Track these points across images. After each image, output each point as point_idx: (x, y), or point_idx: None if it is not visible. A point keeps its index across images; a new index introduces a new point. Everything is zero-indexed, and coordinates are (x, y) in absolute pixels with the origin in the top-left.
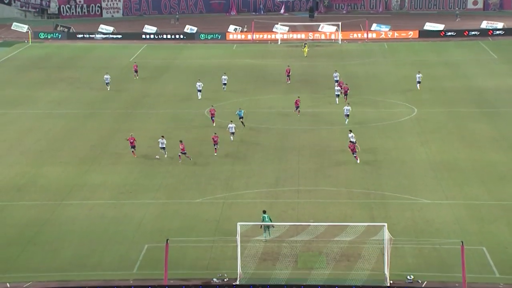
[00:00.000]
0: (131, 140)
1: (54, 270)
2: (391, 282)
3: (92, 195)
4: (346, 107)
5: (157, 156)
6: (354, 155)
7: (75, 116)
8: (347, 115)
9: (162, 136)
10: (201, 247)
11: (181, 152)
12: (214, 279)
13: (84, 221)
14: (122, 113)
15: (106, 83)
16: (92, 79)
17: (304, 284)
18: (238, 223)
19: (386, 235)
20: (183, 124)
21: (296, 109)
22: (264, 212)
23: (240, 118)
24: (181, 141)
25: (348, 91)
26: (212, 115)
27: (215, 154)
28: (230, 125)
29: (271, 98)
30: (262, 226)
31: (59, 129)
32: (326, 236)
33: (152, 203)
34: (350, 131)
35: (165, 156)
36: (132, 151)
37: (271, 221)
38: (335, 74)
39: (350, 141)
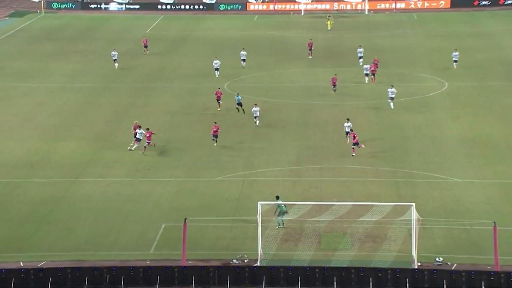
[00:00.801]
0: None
1: (68, 249)
2: (419, 264)
3: (108, 172)
4: (390, 89)
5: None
6: (353, 146)
7: (89, 90)
8: (392, 98)
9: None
10: (221, 226)
11: (213, 135)
12: (234, 260)
13: (100, 199)
14: (138, 88)
15: (114, 60)
16: (107, 52)
17: (328, 266)
18: (259, 202)
19: (414, 215)
20: (200, 99)
21: (333, 87)
22: (278, 197)
23: (237, 104)
24: (215, 123)
25: (377, 69)
26: (218, 98)
27: (215, 145)
28: (254, 109)
29: (293, 72)
30: (276, 212)
31: (73, 103)
32: (351, 216)
33: (170, 181)
34: (348, 120)
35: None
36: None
37: (286, 209)
38: (359, 50)
39: (346, 132)
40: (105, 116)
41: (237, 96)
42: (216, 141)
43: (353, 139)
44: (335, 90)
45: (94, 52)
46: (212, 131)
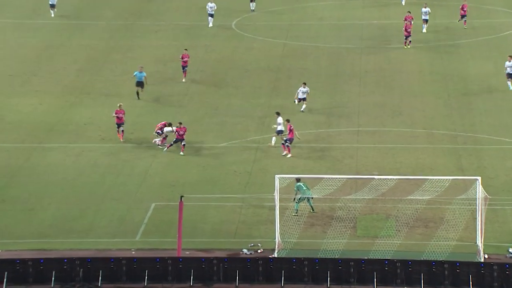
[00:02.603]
0: (119, 116)
1: (29, 235)
2: (486, 256)
3: (80, 136)
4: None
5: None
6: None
7: (55, 29)
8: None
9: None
10: (227, 207)
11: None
12: (244, 250)
13: (70, 170)
14: (119, 26)
15: (51, 5)
16: None
17: (366, 258)
18: (277, 176)
19: (480, 192)
20: (200, 40)
21: (462, 18)
22: (298, 180)
23: (138, 85)
24: (180, 124)
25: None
26: (184, 64)
27: (182, 153)
28: (302, 89)
29: (322, 6)
30: (296, 198)
31: (34, 45)
32: (396, 193)
33: (161, 148)
34: (304, 84)
35: None
36: (119, 131)
37: (309, 192)
38: (424, 10)
39: (297, 99)
40: (76, 64)
41: (140, 73)
42: (183, 146)
43: (288, 133)
44: (465, 21)
45: None
46: (177, 135)
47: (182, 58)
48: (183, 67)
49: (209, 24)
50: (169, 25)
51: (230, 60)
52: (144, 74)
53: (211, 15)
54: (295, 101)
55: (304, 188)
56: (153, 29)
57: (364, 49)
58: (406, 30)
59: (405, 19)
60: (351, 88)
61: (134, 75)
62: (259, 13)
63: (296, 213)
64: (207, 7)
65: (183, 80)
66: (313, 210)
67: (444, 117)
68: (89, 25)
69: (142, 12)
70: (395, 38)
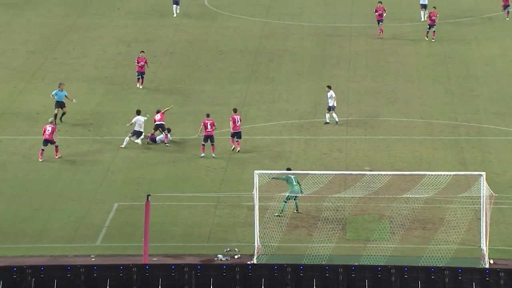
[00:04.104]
0: (141, 64)
1: None
2: (491, 261)
3: (33, 127)
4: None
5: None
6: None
7: (2, 4)
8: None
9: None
10: (200, 207)
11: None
12: (220, 256)
13: (20, 166)
14: (76, 2)
15: None
16: None
17: (356, 264)
18: (256, 171)
19: (484, 189)
20: (168, 19)
21: (505, 9)
22: (289, 169)
23: (57, 106)
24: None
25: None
26: (141, 69)
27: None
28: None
29: None
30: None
31: None
32: (390, 191)
33: (124, 140)
34: (329, 87)
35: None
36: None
37: (298, 188)
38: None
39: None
40: (27, 45)
41: (61, 91)
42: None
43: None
44: (508, 12)
45: None
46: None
47: (138, 62)
48: (140, 73)
49: (173, 13)
50: (132, 1)
51: (203, 41)
52: (65, 93)
53: (176, 2)
54: (326, 120)
55: (295, 183)
56: (115, 5)
57: (354, 29)
58: (430, 17)
59: (430, 15)
60: (339, 72)
61: (54, 95)
62: None
63: (280, 213)
64: None
65: (139, 87)
66: (297, 210)
67: (444, 104)
68: (41, 0)
69: None
70: (389, 16)
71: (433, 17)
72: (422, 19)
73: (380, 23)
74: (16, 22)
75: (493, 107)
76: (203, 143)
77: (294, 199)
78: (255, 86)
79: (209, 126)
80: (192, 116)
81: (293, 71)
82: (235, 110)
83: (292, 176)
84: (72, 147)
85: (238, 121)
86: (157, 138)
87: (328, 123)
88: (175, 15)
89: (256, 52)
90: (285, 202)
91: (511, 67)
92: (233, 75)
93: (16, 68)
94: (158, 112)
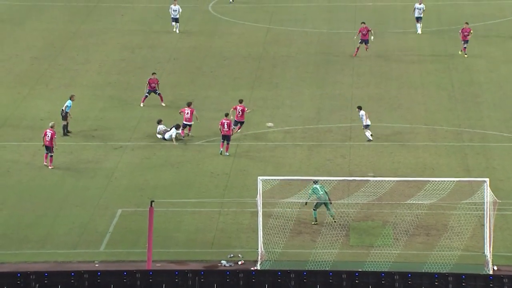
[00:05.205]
0: (152, 85)
1: None
2: (495, 268)
3: (36, 133)
4: (417, 5)
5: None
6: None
7: (6, 10)
8: (418, 19)
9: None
10: (204, 213)
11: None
12: (223, 262)
13: (24, 172)
14: (80, 8)
15: None
16: None
17: (360, 270)
18: (259, 177)
19: (488, 196)
20: (172, 25)
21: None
22: (315, 182)
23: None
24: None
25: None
26: (153, 89)
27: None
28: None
29: None
30: (312, 201)
31: None
32: (394, 197)
33: (128, 146)
34: (359, 108)
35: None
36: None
37: (327, 196)
38: (418, 6)
39: (365, 126)
40: (31, 51)
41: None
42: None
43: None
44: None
45: None
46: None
47: (150, 83)
48: (151, 92)
49: (174, 29)
50: (136, 7)
51: (207, 47)
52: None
53: (175, 20)
54: (368, 138)
55: (321, 192)
56: (118, 12)
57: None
58: (463, 33)
59: (462, 31)
60: (343, 78)
61: (68, 106)
62: None
63: (316, 222)
64: (170, 10)
65: (141, 105)
66: (333, 218)
67: (447, 111)
68: (45, 6)
69: None
70: (392, 22)
71: (466, 33)
72: (418, 32)
73: (365, 43)
74: (20, 28)
75: (497, 113)
76: (222, 140)
77: (328, 210)
78: (258, 92)
79: (226, 126)
80: (195, 121)
81: (296, 77)
82: (240, 101)
83: (318, 186)
84: (75, 153)
85: (239, 112)
86: (166, 135)
87: (370, 140)
88: (177, 31)
89: (260, 58)
90: (315, 210)
91: None
92: (237, 81)
93: (20, 74)
94: (189, 105)
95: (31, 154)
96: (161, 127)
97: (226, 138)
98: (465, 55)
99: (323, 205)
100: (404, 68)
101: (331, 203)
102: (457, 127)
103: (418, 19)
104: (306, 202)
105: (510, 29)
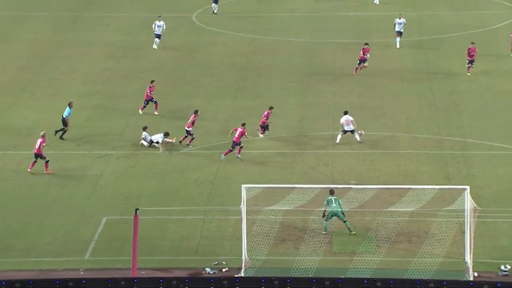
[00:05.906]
0: (148, 93)
1: None
2: (476, 274)
3: (21, 141)
4: (397, 19)
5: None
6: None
7: None
8: (399, 33)
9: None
10: (188, 221)
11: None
12: (207, 269)
13: (9, 181)
14: (66, 18)
15: None
16: None
17: (343, 277)
18: (243, 185)
19: (468, 203)
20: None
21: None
22: (332, 193)
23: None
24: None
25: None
26: (149, 98)
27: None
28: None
29: None
30: (325, 213)
31: None
32: (376, 205)
33: (113, 155)
34: (346, 112)
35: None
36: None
37: (340, 207)
38: (398, 21)
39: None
40: (17, 60)
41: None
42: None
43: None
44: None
45: None
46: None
47: (150, 91)
48: (148, 101)
49: (154, 45)
50: (121, 17)
51: (191, 56)
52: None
53: (158, 36)
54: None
55: (334, 204)
56: (103, 21)
57: (340, 44)
58: (469, 53)
59: (469, 51)
60: (326, 87)
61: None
62: (223, 4)
63: (325, 231)
64: (153, 26)
65: (140, 112)
66: (350, 230)
67: (428, 119)
68: (30, 16)
69: (91, 2)
70: (375, 32)
71: (472, 53)
72: (397, 46)
73: (363, 62)
74: (5, 38)
75: (477, 122)
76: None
77: (344, 222)
78: (242, 101)
79: (236, 134)
80: (180, 131)
81: (280, 86)
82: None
83: (333, 198)
84: (61, 162)
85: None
86: (154, 137)
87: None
88: (155, 46)
89: (244, 68)
90: (326, 220)
91: (494, 83)
92: (221, 90)
93: (6, 84)
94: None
95: (16, 163)
96: (145, 134)
97: (237, 144)
98: (468, 74)
99: (338, 214)
100: (386, 77)
101: (343, 214)
102: (437, 135)
103: (399, 33)
104: (324, 213)
105: (490, 39)
